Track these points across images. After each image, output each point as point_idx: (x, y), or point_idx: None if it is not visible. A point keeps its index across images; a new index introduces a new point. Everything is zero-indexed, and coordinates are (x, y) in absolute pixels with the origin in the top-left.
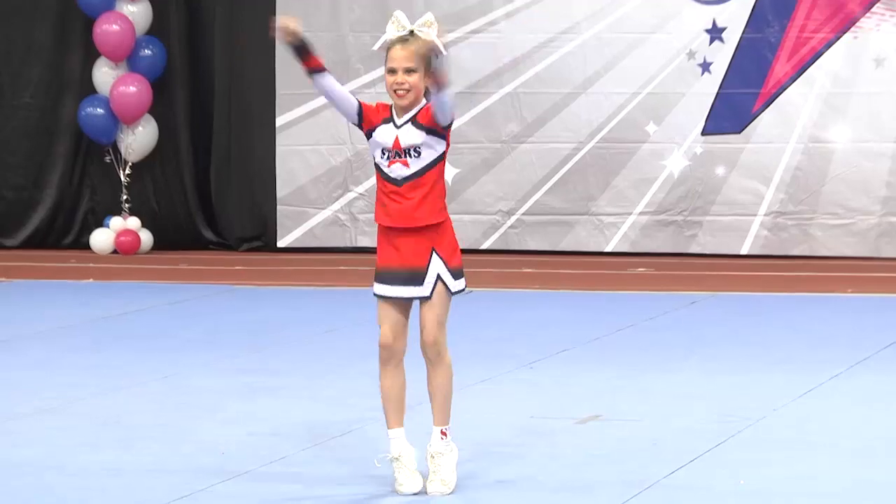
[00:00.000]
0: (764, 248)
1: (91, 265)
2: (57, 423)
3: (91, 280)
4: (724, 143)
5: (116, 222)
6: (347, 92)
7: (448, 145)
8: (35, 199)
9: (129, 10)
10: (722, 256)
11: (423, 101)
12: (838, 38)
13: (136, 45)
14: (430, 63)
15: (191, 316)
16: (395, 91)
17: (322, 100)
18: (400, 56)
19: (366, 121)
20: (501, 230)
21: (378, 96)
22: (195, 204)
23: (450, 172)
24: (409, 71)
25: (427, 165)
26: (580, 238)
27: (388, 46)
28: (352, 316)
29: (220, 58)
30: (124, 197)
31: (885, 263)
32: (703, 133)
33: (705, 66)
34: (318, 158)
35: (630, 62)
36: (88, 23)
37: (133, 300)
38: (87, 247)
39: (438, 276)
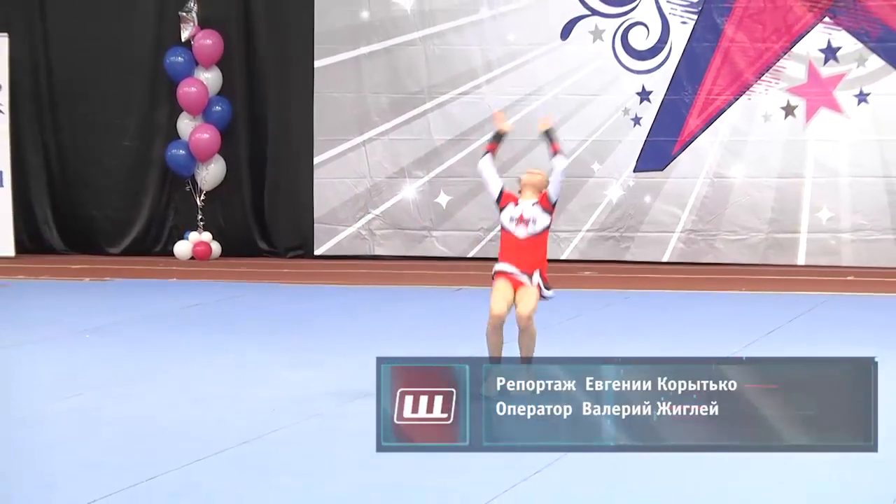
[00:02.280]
0: (680, 257)
1: (174, 268)
2: (148, 388)
3: (175, 279)
4: (651, 177)
5: (194, 235)
6: (496, 175)
7: (552, 220)
8: (133, 218)
9: (205, 76)
10: (648, 263)
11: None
12: (737, 99)
13: (209, 102)
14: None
15: (249, 307)
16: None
17: (349, 143)
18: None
19: (503, 201)
20: (483, 242)
21: (390, 143)
22: (253, 222)
23: (444, 199)
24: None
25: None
26: None
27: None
28: (371, 307)
29: (272, 112)
30: (199, 216)
31: (772, 269)
32: (635, 170)
33: (636, 120)
34: (345, 188)
35: (580, 116)
36: (173, 85)
37: (206, 295)
38: (171, 254)
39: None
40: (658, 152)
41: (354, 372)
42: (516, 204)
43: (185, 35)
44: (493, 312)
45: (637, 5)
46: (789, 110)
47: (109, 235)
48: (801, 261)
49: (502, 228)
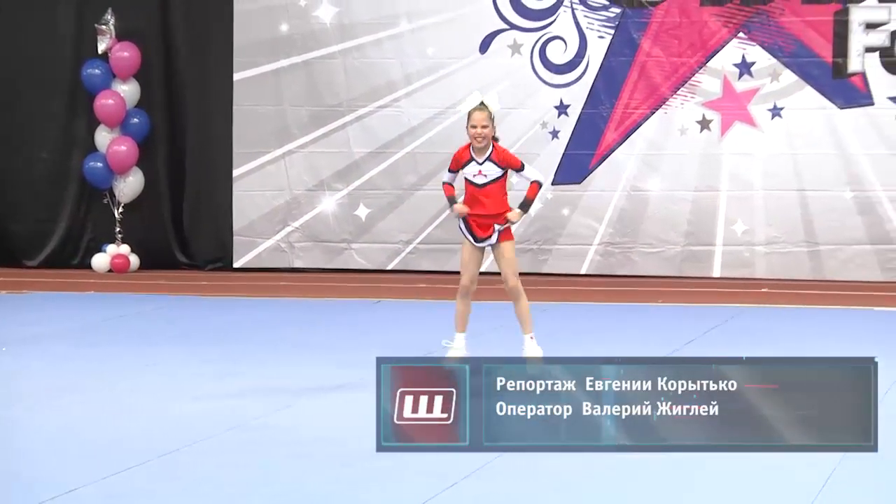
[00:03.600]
0: (597, 269)
1: (92, 281)
2: (69, 399)
3: (93, 292)
4: (569, 190)
5: (112, 248)
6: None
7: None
8: (50, 230)
9: (122, 88)
10: (566, 275)
11: (492, 145)
12: (653, 113)
13: (127, 114)
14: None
15: (168, 320)
16: (475, 139)
17: (268, 156)
18: (479, 117)
19: (453, 165)
20: (402, 255)
21: (309, 156)
22: (171, 234)
23: (363, 212)
24: (484, 126)
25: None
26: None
27: (470, 112)
28: (290, 319)
29: (191, 124)
30: (118, 229)
31: (687, 281)
32: (553, 183)
33: (554, 134)
34: (265, 200)
35: (498, 130)
36: (91, 97)
37: (124, 307)
38: (89, 267)
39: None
40: (576, 165)
41: (275, 383)
42: (470, 161)
43: (101, 47)
44: (462, 282)
45: (555, 20)
46: (705, 124)
47: (26, 248)
48: (716, 273)
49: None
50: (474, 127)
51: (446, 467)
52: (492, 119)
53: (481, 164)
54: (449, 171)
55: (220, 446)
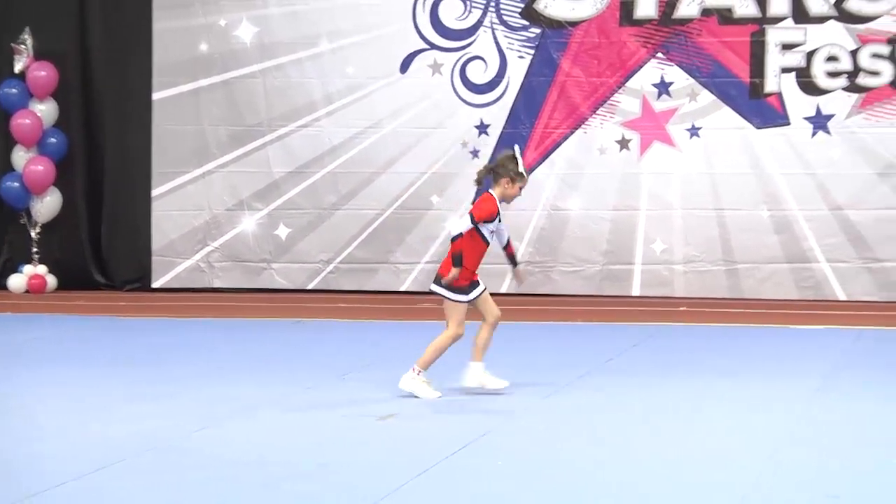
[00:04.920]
0: (517, 289)
1: (9, 301)
2: None
3: (9, 313)
4: None
5: (28, 269)
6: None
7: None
8: None
9: (39, 107)
10: None
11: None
12: (572, 133)
13: (44, 134)
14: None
15: (85, 341)
16: (512, 198)
17: (188, 175)
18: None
19: (487, 217)
20: (323, 274)
21: (229, 175)
22: (89, 254)
23: (283, 231)
24: None
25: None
26: (382, 280)
27: (523, 174)
28: (210, 340)
29: (109, 144)
30: (34, 249)
31: (607, 299)
32: (473, 202)
33: (475, 153)
34: (184, 220)
35: (419, 149)
36: (7, 117)
37: (41, 329)
38: (5, 287)
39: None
40: None
41: (195, 404)
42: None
43: (18, 66)
44: (461, 333)
45: (475, 40)
46: (624, 144)
47: None
48: (635, 292)
49: (476, 234)
50: (521, 188)
51: (372, 488)
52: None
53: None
54: (482, 221)
55: (138, 468)
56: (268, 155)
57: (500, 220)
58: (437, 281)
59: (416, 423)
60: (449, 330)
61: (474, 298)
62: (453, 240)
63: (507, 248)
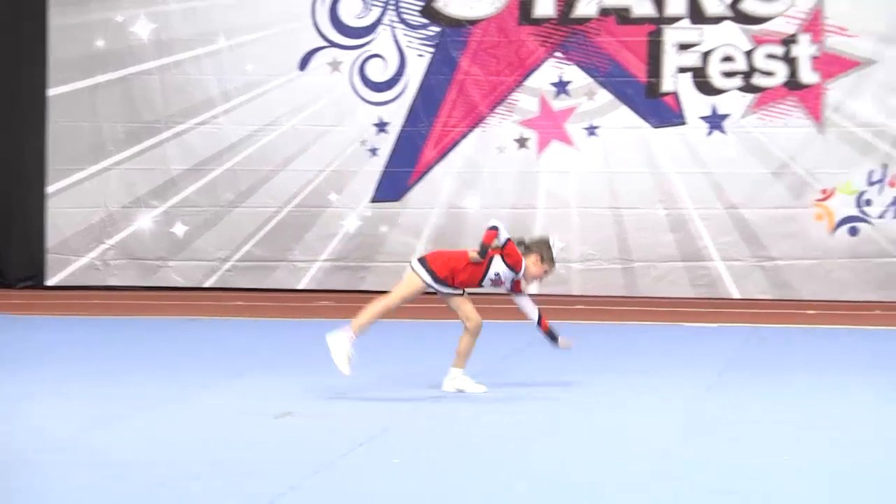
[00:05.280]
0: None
1: None
2: None
3: None
4: (387, 208)
5: None
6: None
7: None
8: None
9: None
10: (385, 292)
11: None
12: (471, 131)
13: None
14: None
15: None
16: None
17: (84, 172)
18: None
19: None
20: (220, 272)
21: (125, 173)
22: None
23: (180, 229)
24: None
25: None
26: (279, 278)
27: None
28: (105, 338)
29: (2, 141)
30: None
31: (504, 297)
32: (372, 200)
33: (374, 151)
34: (80, 217)
35: (318, 147)
36: None
37: None
38: None
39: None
40: (394, 183)
41: (85, 404)
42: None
43: None
44: (479, 320)
45: (374, 38)
46: (522, 142)
47: None
48: (532, 289)
49: (486, 263)
50: (546, 273)
51: (267, 486)
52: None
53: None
54: (509, 259)
55: (29, 468)
56: (165, 152)
57: (510, 286)
58: (436, 280)
59: (312, 422)
60: (469, 324)
61: (449, 293)
62: (491, 228)
63: (541, 324)
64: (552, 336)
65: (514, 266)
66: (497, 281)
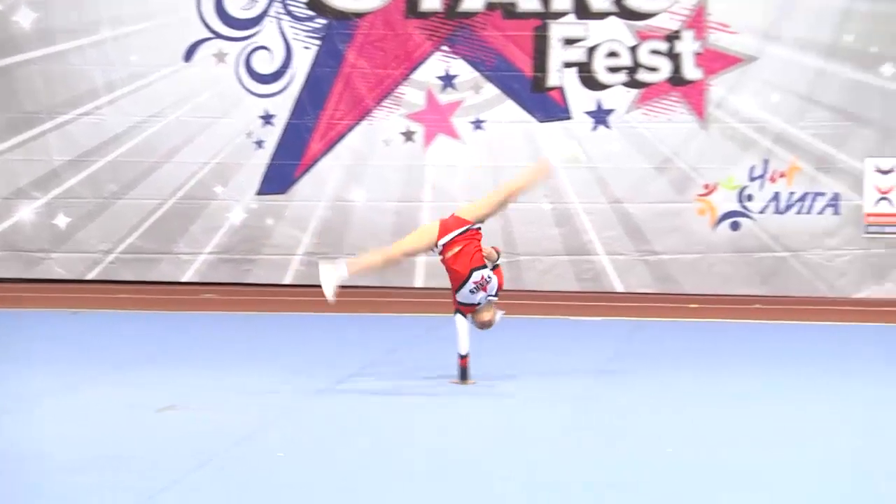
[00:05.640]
0: (301, 280)
1: None
2: None
3: None
4: (273, 201)
5: None
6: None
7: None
8: None
9: None
10: (270, 285)
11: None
12: (358, 124)
13: None
14: None
15: None
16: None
17: None
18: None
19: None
20: (103, 265)
21: (6, 163)
22: None
23: (62, 221)
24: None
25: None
26: (164, 271)
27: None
28: None
29: None
30: None
31: (390, 291)
32: (258, 193)
33: (259, 144)
34: None
35: (203, 139)
36: None
37: None
38: None
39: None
40: (280, 176)
41: None
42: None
43: None
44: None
45: (260, 30)
46: (409, 136)
47: None
48: (418, 283)
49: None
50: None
51: (149, 481)
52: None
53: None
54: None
55: None
56: (47, 143)
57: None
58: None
59: (195, 415)
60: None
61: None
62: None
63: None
64: (463, 374)
65: (480, 281)
66: (481, 285)
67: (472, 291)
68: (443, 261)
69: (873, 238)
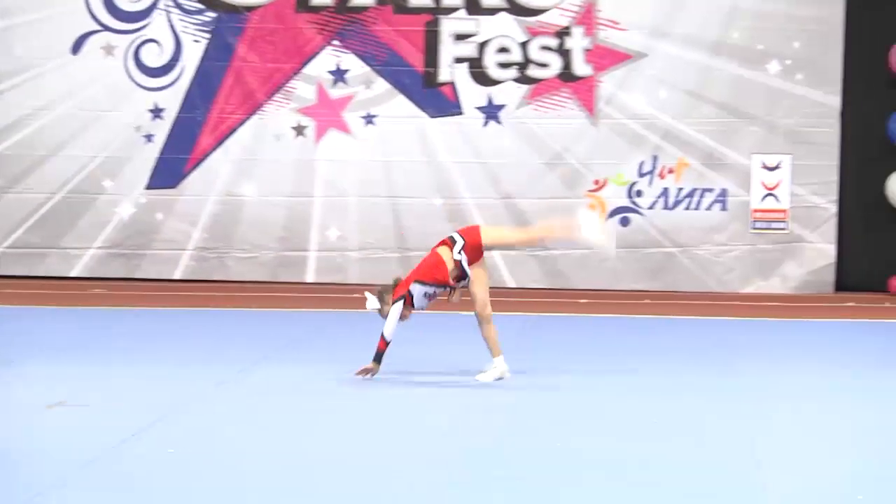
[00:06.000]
0: (192, 275)
1: None
2: None
3: None
4: (163, 195)
5: None
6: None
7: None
8: None
9: None
10: (160, 280)
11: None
12: (248, 119)
13: None
14: None
15: None
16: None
17: None
18: None
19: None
20: None
21: None
22: None
23: None
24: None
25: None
26: (51, 266)
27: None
28: None
29: None
30: None
31: (282, 286)
32: (147, 187)
33: (149, 137)
34: None
35: (92, 132)
36: None
37: None
38: None
39: None
40: (170, 170)
41: None
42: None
43: None
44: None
45: (149, 22)
46: (300, 130)
47: None
48: (310, 278)
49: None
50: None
51: (37, 478)
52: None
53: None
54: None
55: None
56: None
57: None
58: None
59: (85, 411)
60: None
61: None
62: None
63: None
64: (378, 356)
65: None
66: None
67: (426, 296)
68: (459, 259)
69: (760, 233)
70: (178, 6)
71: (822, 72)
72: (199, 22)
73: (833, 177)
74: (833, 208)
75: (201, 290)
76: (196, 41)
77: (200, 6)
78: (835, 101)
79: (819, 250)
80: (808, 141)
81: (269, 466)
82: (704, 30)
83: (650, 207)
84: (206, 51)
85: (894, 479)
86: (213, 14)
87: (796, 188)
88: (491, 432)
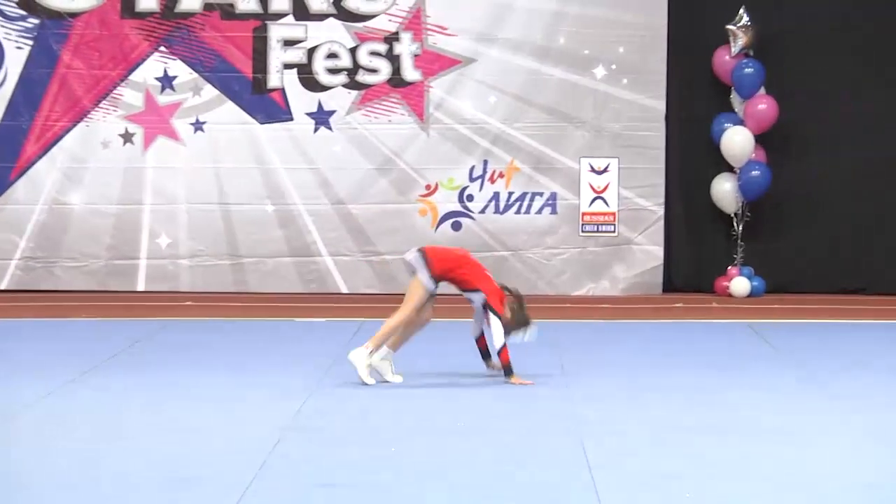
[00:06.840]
0: (18, 284)
1: None
2: None
3: None
4: None
5: None
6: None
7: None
8: None
9: None
10: None
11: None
12: (75, 126)
13: None
14: None
15: None
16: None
17: None
18: None
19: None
20: None
21: None
22: None
23: None
24: None
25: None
26: None
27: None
28: None
29: None
30: None
31: (112, 295)
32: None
33: None
34: None
35: None
36: None
37: None
38: None
39: None
40: None
41: None
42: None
43: None
44: (412, 317)
45: None
46: (128, 137)
47: None
48: (140, 286)
49: None
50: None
51: None
52: None
53: None
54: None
55: None
56: None
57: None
58: (423, 256)
59: None
60: (401, 312)
61: (434, 294)
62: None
63: (501, 354)
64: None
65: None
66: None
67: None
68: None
69: (589, 236)
70: (0, 13)
71: (648, 76)
72: (21, 28)
73: (660, 179)
74: (660, 211)
75: (29, 300)
76: (19, 47)
77: (23, 12)
78: (660, 104)
79: (647, 252)
80: (634, 144)
81: (99, 471)
82: (531, 35)
83: (481, 212)
84: (30, 57)
85: (717, 478)
86: (35, 20)
87: (624, 191)
88: (322, 439)
